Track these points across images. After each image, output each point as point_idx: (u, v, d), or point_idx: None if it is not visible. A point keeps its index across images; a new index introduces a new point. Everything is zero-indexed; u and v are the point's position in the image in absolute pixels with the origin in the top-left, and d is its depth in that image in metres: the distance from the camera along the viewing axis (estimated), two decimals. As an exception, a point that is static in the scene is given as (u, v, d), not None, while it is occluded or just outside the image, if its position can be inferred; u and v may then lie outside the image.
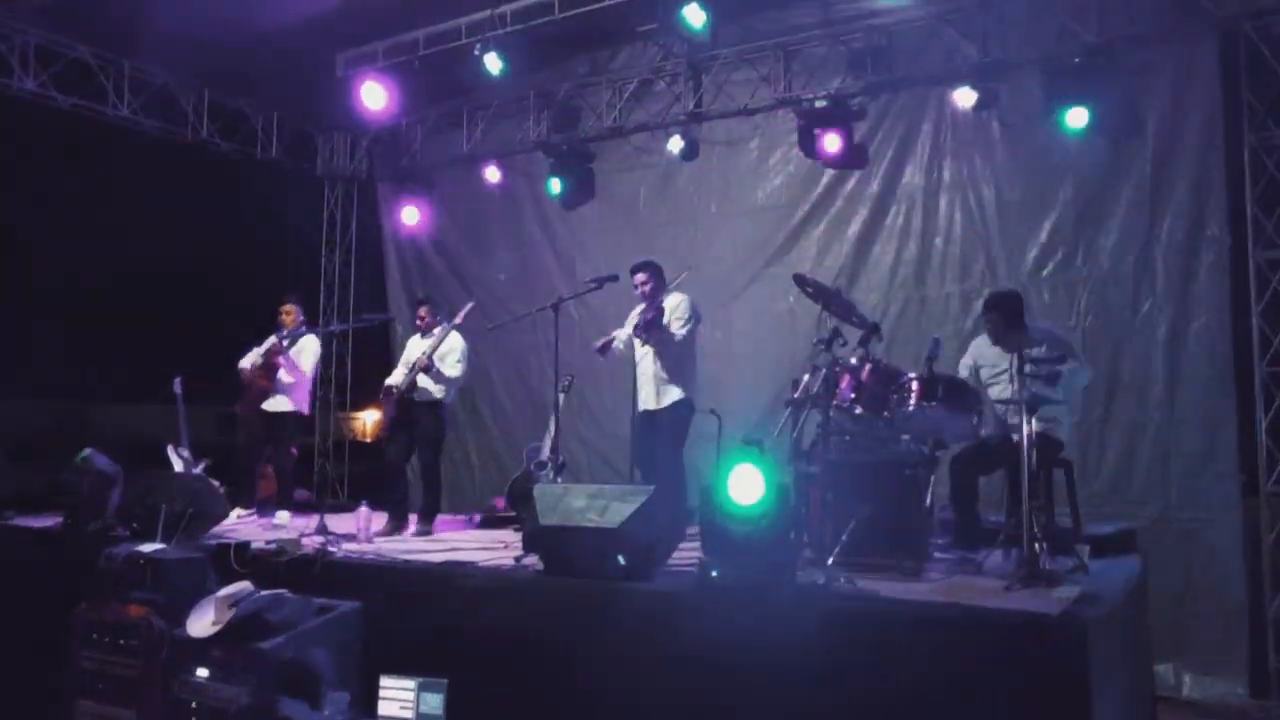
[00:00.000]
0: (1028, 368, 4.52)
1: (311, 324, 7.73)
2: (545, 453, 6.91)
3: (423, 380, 6.51)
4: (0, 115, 8.57)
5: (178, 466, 7.34)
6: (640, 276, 6.25)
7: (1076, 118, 6.64)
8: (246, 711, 4.07)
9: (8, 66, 7.87)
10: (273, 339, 7.30)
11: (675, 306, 6.14)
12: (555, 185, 8.69)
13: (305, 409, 7.50)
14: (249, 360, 7.31)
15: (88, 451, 6.22)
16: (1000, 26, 7.09)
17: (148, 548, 4.88)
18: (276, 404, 7.25)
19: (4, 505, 6.76)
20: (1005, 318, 5.30)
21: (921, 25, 7.35)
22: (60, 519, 6.16)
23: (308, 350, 7.30)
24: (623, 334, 6.37)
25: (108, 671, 4.53)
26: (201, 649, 4.31)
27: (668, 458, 6.07)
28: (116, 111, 8.52)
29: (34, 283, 12.26)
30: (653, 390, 6.18)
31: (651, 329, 6.00)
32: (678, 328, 6.05)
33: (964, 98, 7.12)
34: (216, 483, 6.26)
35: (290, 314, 7.37)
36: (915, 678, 3.59)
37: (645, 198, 8.65)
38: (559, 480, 6.42)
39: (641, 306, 6.27)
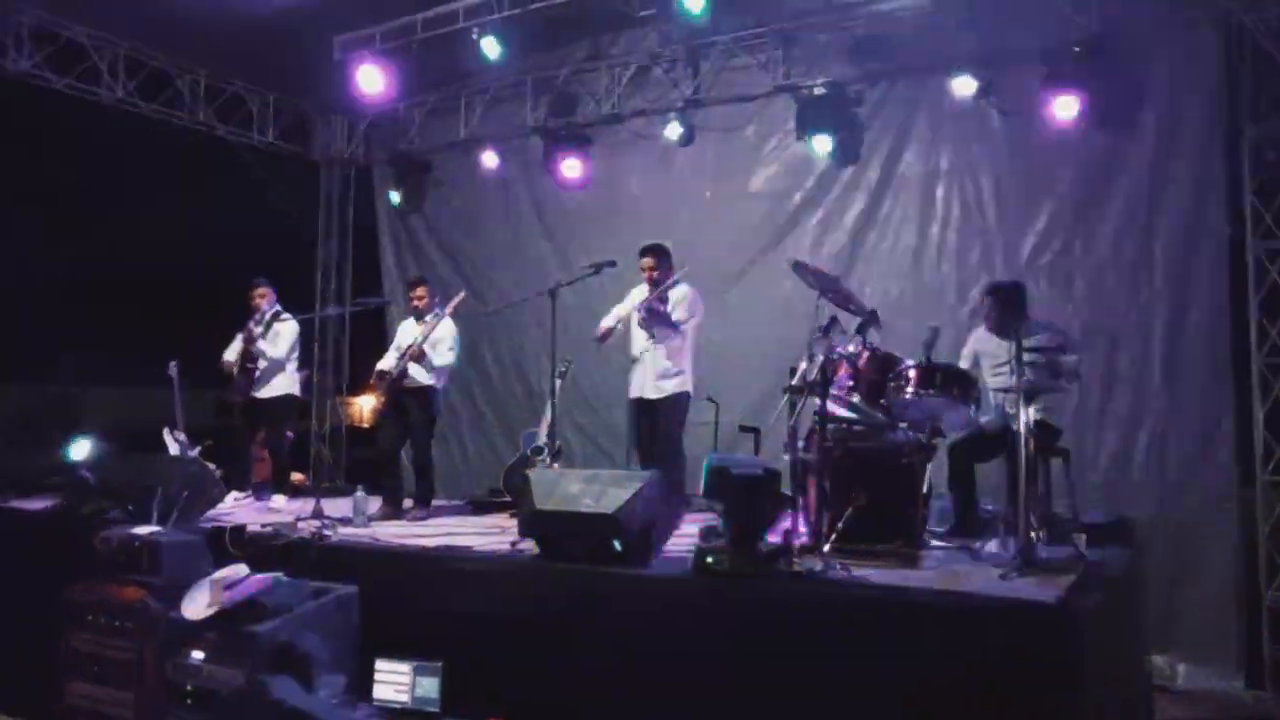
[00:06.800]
0: (1028, 356, 4.51)
1: (293, 307, 7.61)
2: (542, 438, 6.89)
3: (413, 367, 6.48)
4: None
5: (173, 450, 7.32)
6: (647, 260, 6.26)
7: (1076, 107, 6.62)
8: (240, 694, 4.06)
9: (2, 47, 7.80)
10: (249, 327, 7.25)
11: (681, 297, 6.16)
12: (561, 170, 8.60)
13: (296, 390, 7.47)
14: (231, 352, 7.28)
15: (82, 439, 6.21)
16: (1000, 15, 7.05)
17: (143, 530, 4.87)
18: (266, 389, 7.22)
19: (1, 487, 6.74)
20: (1004, 306, 5.29)
21: (921, 13, 7.29)
22: (54, 501, 6.14)
23: (283, 334, 7.23)
24: (622, 310, 6.37)
25: (102, 654, 4.53)
26: (196, 631, 4.30)
27: (666, 443, 6.08)
28: (111, 94, 8.45)
29: (28, 266, 12.18)
30: (651, 380, 6.20)
31: (654, 318, 6.00)
32: (681, 318, 6.08)
33: (963, 86, 7.09)
34: (212, 466, 6.25)
35: (263, 296, 7.32)
36: (911, 665, 3.59)
37: (640, 183, 8.61)
38: (555, 466, 6.41)
39: (641, 289, 6.26)
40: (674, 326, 6.07)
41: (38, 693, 4.99)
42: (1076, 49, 6.60)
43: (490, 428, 9.31)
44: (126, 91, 8.54)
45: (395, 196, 9.63)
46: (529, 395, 8.99)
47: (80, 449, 6.33)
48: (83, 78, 8.30)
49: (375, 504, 6.25)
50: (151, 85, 8.73)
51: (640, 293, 6.34)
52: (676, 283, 6.22)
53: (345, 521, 5.78)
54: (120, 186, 11.95)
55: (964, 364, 5.40)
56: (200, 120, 9.09)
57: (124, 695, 4.45)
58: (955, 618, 3.65)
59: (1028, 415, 4.44)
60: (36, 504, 6.30)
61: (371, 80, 8.20)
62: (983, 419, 5.13)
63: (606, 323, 6.41)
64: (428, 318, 6.64)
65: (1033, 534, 4.32)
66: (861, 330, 5.03)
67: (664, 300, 6.08)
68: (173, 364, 7.57)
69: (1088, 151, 6.81)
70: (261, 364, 7.15)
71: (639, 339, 6.27)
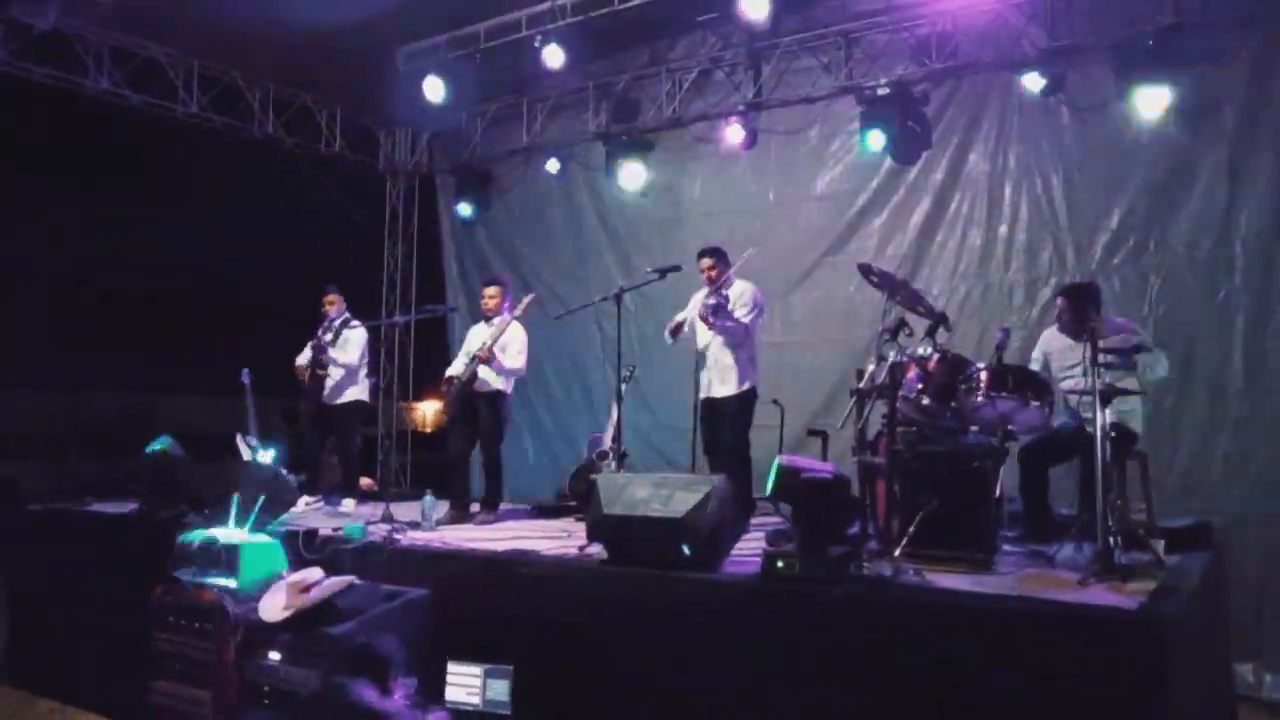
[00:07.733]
0: (1102, 356, 4.41)
1: (360, 315, 7.74)
2: (607, 442, 6.92)
3: (483, 371, 6.54)
4: (75, 115, 8.82)
5: (246, 456, 7.48)
6: (706, 261, 6.25)
7: (1150, 101, 6.45)
8: (316, 695, 4.14)
9: (84, 67, 8.07)
10: (319, 335, 7.39)
11: (740, 293, 6.15)
12: (623, 176, 8.59)
13: (365, 397, 7.59)
14: (303, 358, 7.45)
15: (164, 440, 6.37)
16: (1070, 10, 6.92)
17: (221, 533, 4.98)
18: (336, 396, 7.36)
19: (83, 492, 6.96)
20: (1078, 307, 5.18)
21: (988, 11, 7.19)
22: (136, 505, 6.32)
23: (352, 342, 7.36)
24: (686, 316, 6.37)
25: (184, 653, 4.65)
26: (273, 633, 4.39)
27: (733, 446, 6.05)
28: (185, 109, 8.69)
29: (106, 278, 12.61)
30: (717, 378, 6.18)
31: (718, 314, 5.99)
32: (743, 314, 6.05)
33: (1031, 83, 6.96)
34: (285, 471, 6.38)
35: (333, 303, 7.48)
36: (985, 673, 3.52)
37: (703, 187, 8.62)
38: (621, 470, 6.42)
39: (704, 292, 6.26)
40: (738, 322, 6.06)
41: (121, 691, 5.14)
42: (1150, 42, 6.44)
43: (549, 432, 9.36)
44: (200, 106, 8.77)
45: (466, 208, 9.72)
46: (589, 400, 9.02)
47: (160, 444, 6.50)
48: (159, 95, 8.54)
49: (443, 508, 6.32)
50: (222, 99, 8.95)
51: (702, 295, 6.34)
52: (734, 277, 6.21)
53: (414, 525, 5.87)
54: (191, 199, 12.30)
55: (1034, 367, 5.30)
56: (269, 132, 9.30)
57: (203, 694, 4.56)
58: (1031, 625, 3.58)
59: (1104, 417, 4.34)
60: (119, 508, 6.49)
61: (436, 90, 8.32)
62: (1055, 421, 5.03)
63: (675, 320, 6.34)
64: (495, 320, 6.70)
65: (1110, 539, 4.22)
66: (931, 332, 4.96)
67: (725, 296, 6.07)
68: (245, 372, 7.75)
69: (1163, 145, 6.63)
70: (334, 371, 7.29)
71: (703, 339, 6.26)
